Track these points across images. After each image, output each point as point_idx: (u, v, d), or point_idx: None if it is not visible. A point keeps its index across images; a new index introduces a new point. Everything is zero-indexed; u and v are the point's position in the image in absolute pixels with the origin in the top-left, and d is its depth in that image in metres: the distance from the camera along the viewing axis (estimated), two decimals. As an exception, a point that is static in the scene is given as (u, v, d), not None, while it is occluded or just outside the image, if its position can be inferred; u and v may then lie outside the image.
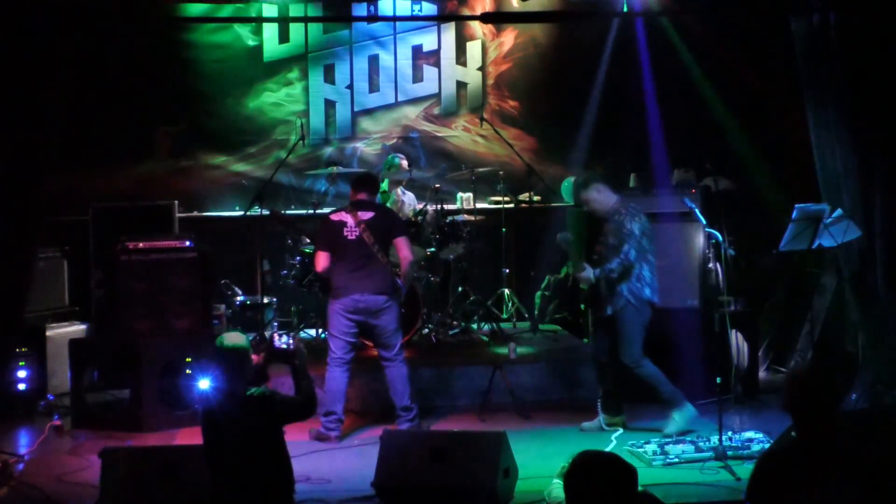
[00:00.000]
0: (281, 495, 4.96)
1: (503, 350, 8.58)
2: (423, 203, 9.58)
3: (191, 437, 6.80)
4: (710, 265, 8.07)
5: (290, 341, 5.14)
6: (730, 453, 6.23)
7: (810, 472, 3.66)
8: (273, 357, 5.14)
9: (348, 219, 7.14)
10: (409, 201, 9.73)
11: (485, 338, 9.26)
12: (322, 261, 7.20)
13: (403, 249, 7.21)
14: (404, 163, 9.64)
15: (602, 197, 7.19)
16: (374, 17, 10.75)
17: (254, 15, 10.58)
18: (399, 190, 9.59)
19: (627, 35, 10.55)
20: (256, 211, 9.30)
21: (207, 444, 4.98)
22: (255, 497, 4.84)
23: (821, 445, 3.72)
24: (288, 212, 9.95)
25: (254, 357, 5.07)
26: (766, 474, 3.75)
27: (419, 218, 9.08)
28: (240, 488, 4.83)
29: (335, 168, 10.10)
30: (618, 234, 7.05)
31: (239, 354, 4.96)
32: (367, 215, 7.14)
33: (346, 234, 7.11)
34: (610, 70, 10.69)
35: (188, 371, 7.73)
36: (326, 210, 8.58)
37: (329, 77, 11.06)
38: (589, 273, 7.06)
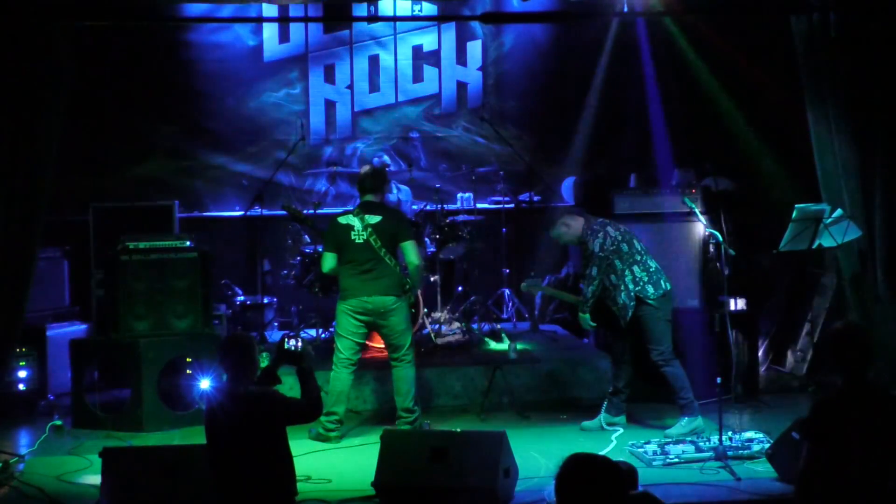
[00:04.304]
0: (282, 494, 4.96)
1: (503, 350, 8.57)
2: (424, 203, 9.57)
3: (191, 437, 6.81)
4: (711, 265, 8.06)
5: (299, 343, 5.15)
6: (730, 453, 6.22)
7: (858, 413, 4.34)
8: (282, 359, 5.14)
9: (356, 222, 7.10)
10: (404, 198, 9.70)
11: (485, 338, 9.26)
12: (328, 262, 7.19)
13: (410, 254, 7.14)
14: (382, 159, 9.67)
15: (571, 230, 7.10)
16: (374, 17, 10.74)
17: (254, 15, 10.58)
18: (393, 187, 9.58)
19: (628, 34, 10.55)
20: (257, 211, 9.29)
21: (211, 442, 4.98)
22: (257, 496, 4.84)
23: (864, 390, 4.41)
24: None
25: None
26: (822, 415, 4.42)
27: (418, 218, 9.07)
28: (242, 486, 4.83)
29: (335, 168, 10.11)
30: (586, 259, 7.05)
31: (244, 352, 4.96)
32: (374, 219, 7.10)
33: (353, 237, 7.09)
34: (610, 69, 10.69)
35: (188, 371, 7.74)
36: (327, 210, 8.57)
37: (329, 77, 11.06)
38: (583, 321, 7.13)
